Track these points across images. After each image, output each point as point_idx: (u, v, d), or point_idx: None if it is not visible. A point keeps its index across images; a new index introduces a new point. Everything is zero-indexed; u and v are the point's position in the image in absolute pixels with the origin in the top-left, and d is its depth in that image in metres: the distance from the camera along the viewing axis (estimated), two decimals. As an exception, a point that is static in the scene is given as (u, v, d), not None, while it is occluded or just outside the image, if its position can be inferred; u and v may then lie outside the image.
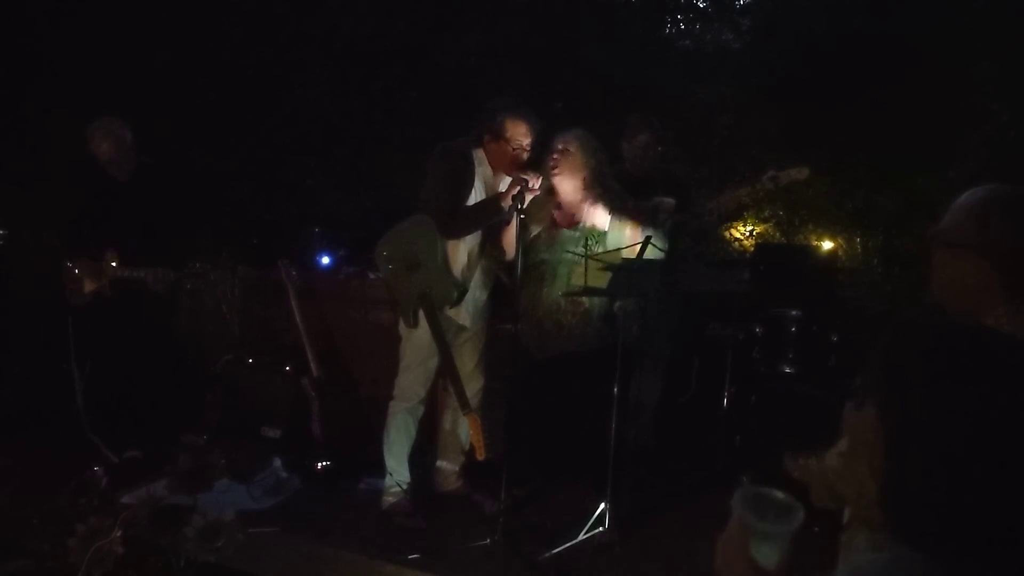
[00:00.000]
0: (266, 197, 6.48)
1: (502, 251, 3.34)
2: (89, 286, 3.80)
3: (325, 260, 4.97)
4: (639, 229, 3.16)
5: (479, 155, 3.30)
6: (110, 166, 3.81)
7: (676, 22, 8.87)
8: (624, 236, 3.17)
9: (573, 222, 3.26)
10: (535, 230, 3.25)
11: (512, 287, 3.20)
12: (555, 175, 3.21)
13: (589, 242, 3.14)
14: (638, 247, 3.00)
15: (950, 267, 1.43)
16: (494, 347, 3.54)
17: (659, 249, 3.09)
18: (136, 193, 3.83)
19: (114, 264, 3.77)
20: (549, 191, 3.25)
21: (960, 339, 0.97)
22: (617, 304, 3.15)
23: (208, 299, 5.16)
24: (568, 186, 3.24)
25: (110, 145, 3.77)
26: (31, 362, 4.41)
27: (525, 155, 3.24)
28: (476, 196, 3.27)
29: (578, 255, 3.08)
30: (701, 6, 8.78)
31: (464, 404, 3.21)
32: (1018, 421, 0.90)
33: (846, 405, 1.03)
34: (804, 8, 7.46)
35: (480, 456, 3.17)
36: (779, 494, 1.11)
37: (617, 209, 3.23)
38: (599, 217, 3.23)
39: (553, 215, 3.29)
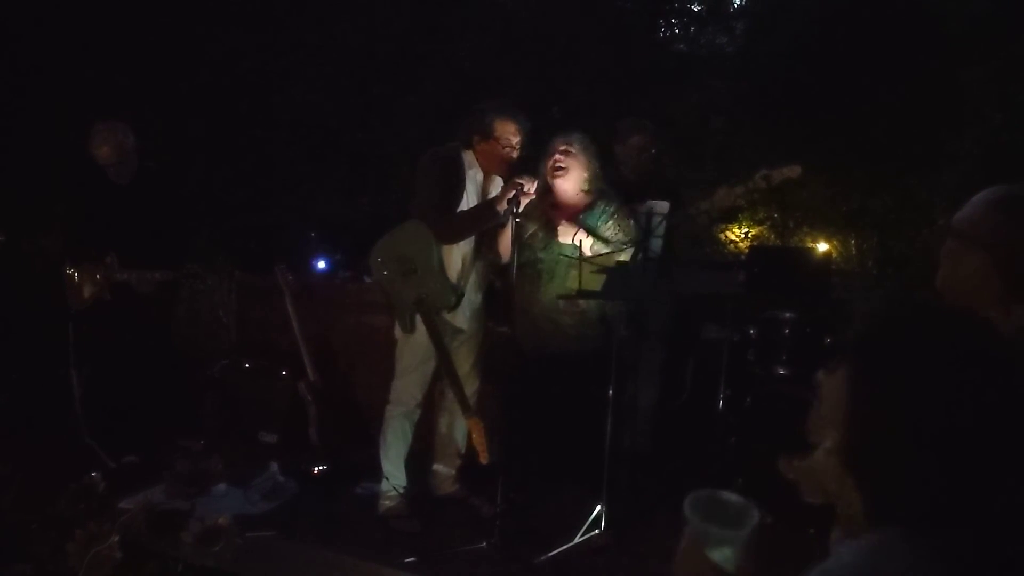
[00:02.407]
0: (263, 201, 6.48)
1: (497, 255, 3.35)
2: (88, 291, 3.80)
3: (322, 264, 4.98)
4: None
5: (469, 157, 3.32)
6: (110, 169, 3.80)
7: (671, 25, 8.90)
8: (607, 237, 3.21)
9: (569, 224, 3.26)
10: (530, 228, 3.26)
11: (506, 291, 3.20)
12: (558, 175, 3.23)
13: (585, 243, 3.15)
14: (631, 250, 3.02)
15: (956, 258, 1.47)
16: (489, 349, 3.55)
17: (653, 252, 3.11)
18: (136, 197, 3.82)
19: (113, 267, 3.76)
20: (546, 190, 3.26)
21: (949, 323, 1.00)
22: (607, 305, 3.17)
23: (205, 304, 5.17)
24: (568, 187, 3.25)
25: (110, 149, 3.76)
26: (30, 367, 4.41)
27: (515, 154, 3.26)
28: (467, 198, 3.28)
29: (574, 257, 3.09)
30: (695, 10, 8.81)
31: (466, 408, 3.22)
32: (993, 407, 0.92)
33: (820, 373, 1.06)
34: (797, 11, 7.49)
35: (484, 459, 3.17)
36: (732, 497, 1.12)
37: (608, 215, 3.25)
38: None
39: (549, 215, 3.30)
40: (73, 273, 3.82)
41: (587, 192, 3.27)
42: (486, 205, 3.20)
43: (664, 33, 8.87)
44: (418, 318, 3.23)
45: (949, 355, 0.95)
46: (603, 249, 3.16)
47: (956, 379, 0.93)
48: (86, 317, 3.84)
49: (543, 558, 2.96)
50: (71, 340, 3.91)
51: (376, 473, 3.43)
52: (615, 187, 3.42)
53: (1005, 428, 0.93)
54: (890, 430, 0.95)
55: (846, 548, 0.99)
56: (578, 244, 3.16)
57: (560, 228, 3.22)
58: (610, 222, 3.23)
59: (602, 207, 3.26)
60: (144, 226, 3.77)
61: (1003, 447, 0.93)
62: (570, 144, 3.23)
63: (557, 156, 3.22)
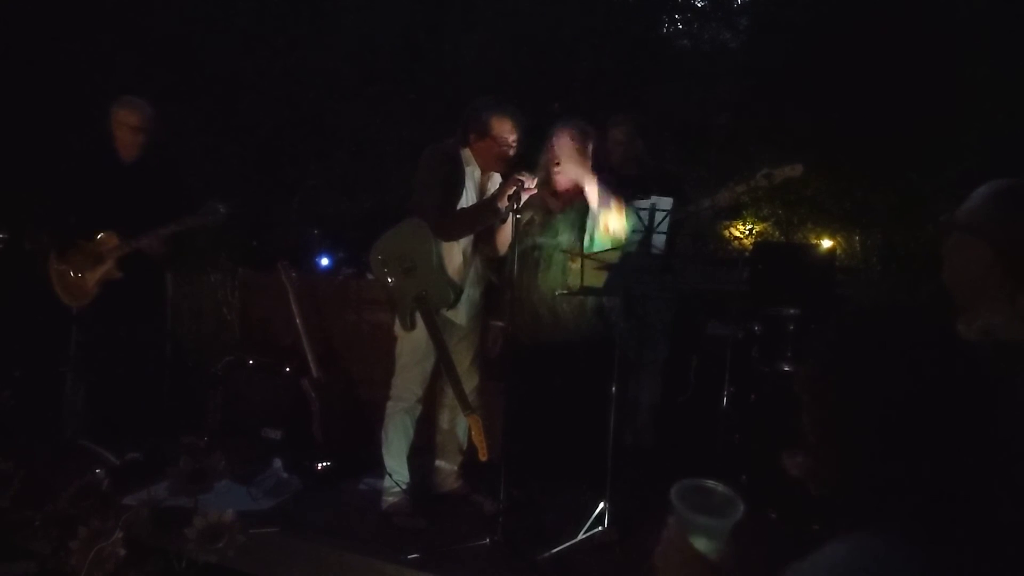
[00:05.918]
0: (265, 199, 6.48)
1: (493, 249, 3.35)
2: (92, 280, 3.77)
3: (324, 261, 4.98)
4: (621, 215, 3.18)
5: (466, 155, 3.31)
6: (127, 140, 3.79)
7: (674, 21, 8.87)
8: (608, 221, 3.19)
9: (566, 206, 3.26)
10: (528, 215, 3.25)
11: (502, 286, 3.19)
12: (556, 165, 3.22)
13: (587, 221, 3.14)
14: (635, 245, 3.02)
15: (959, 252, 1.48)
16: (488, 344, 3.55)
17: (656, 248, 3.10)
18: (140, 176, 3.82)
19: (115, 243, 3.73)
20: (545, 180, 3.25)
21: (905, 322, 1.01)
22: (606, 297, 3.17)
23: (208, 301, 5.17)
24: (566, 176, 3.25)
25: (140, 117, 3.79)
26: (32, 365, 4.40)
27: (512, 152, 3.25)
28: (466, 196, 3.28)
29: (575, 253, 3.09)
30: (699, 5, 8.78)
31: (465, 405, 3.21)
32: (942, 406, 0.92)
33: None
34: (801, 7, 7.46)
35: (483, 457, 3.17)
36: (719, 487, 1.13)
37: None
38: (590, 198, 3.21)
39: (547, 200, 3.30)
40: (67, 270, 3.79)
41: (585, 179, 3.25)
42: (487, 202, 3.20)
43: (667, 28, 8.83)
44: (418, 315, 3.23)
45: (908, 353, 0.96)
46: (618, 218, 3.15)
47: (914, 375, 0.94)
48: (88, 314, 3.82)
49: (546, 555, 2.95)
50: (74, 340, 3.89)
51: (379, 469, 3.43)
52: (619, 184, 3.41)
53: (969, 428, 0.92)
54: (850, 426, 0.96)
55: (828, 546, 0.99)
56: (594, 206, 3.15)
57: (590, 190, 3.18)
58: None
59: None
60: (147, 202, 3.75)
61: (968, 446, 0.92)
62: (567, 133, 3.22)
63: (553, 148, 3.22)
